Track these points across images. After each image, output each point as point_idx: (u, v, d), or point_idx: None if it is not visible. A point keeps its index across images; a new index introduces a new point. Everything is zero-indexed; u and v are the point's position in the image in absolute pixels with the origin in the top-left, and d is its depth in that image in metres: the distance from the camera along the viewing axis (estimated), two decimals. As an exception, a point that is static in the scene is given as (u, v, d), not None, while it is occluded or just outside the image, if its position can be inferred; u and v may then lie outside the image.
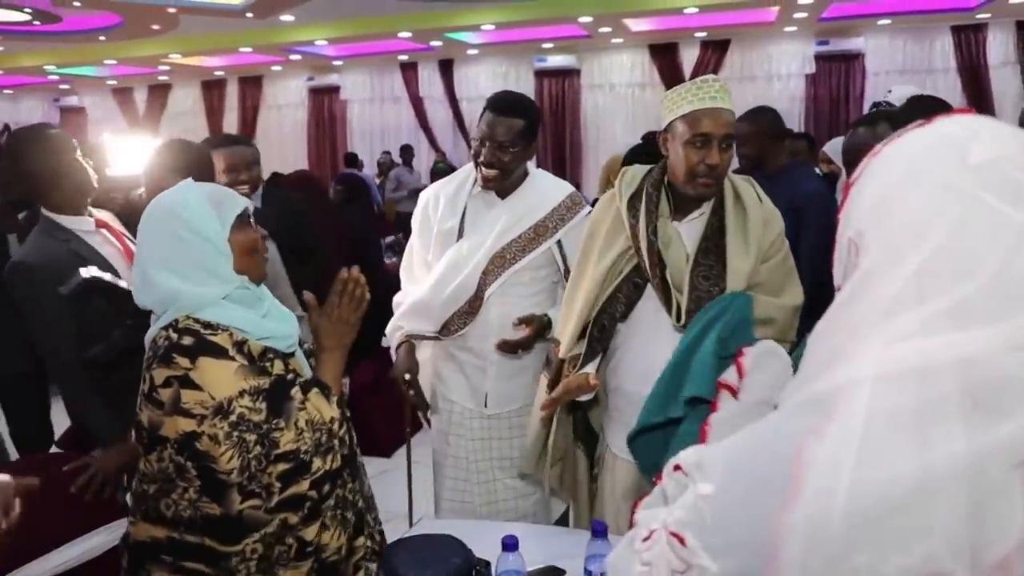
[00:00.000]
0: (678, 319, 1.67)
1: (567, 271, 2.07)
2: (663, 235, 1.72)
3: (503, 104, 2.04)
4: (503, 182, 2.07)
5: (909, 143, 0.68)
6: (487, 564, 1.47)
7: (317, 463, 1.31)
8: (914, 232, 0.62)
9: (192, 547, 1.28)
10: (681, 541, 0.68)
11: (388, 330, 2.21)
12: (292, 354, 1.46)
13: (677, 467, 0.75)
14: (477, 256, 2.08)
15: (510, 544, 1.37)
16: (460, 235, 2.13)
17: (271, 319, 1.40)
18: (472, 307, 2.10)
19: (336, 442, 1.34)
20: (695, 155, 1.65)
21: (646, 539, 0.74)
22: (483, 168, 2.04)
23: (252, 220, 1.44)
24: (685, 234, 1.73)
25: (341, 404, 1.41)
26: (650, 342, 1.74)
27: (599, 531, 1.40)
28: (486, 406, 2.16)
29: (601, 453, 1.95)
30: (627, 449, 1.82)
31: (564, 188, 2.18)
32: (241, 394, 1.26)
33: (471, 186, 2.14)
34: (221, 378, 1.26)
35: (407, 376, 2.09)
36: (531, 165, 2.17)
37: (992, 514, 0.57)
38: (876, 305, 0.62)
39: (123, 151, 2.68)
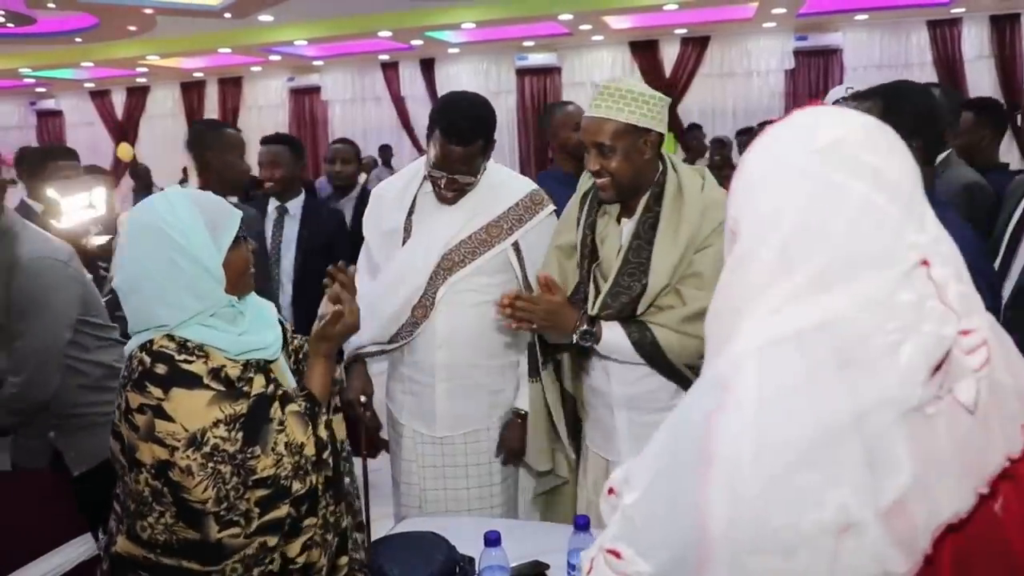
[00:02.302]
0: (592, 306, 1.71)
1: (525, 278, 1.94)
2: (601, 231, 1.77)
3: (457, 131, 1.79)
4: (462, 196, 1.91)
5: (770, 135, 0.75)
6: (471, 560, 1.48)
7: (296, 485, 1.28)
8: (774, 213, 0.69)
9: (169, 569, 1.25)
10: (617, 556, 0.70)
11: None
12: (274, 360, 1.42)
13: (610, 490, 0.77)
14: (426, 258, 1.90)
15: (493, 539, 1.37)
16: (407, 233, 1.95)
17: (251, 333, 1.36)
18: (417, 315, 1.92)
19: (309, 465, 1.30)
20: (587, 159, 1.73)
21: (588, 572, 0.75)
22: (441, 190, 1.87)
23: (244, 235, 1.38)
24: (627, 231, 1.76)
25: (328, 425, 1.36)
26: (607, 338, 1.76)
27: (582, 525, 1.40)
28: (436, 428, 1.99)
29: (583, 446, 1.96)
30: (598, 444, 1.87)
31: (525, 185, 2.00)
32: (216, 424, 1.22)
33: (422, 181, 1.95)
34: (194, 409, 1.22)
35: (362, 398, 1.96)
36: (491, 161, 1.98)
37: (883, 463, 0.61)
38: (750, 283, 0.69)
39: (71, 203, 2.62)
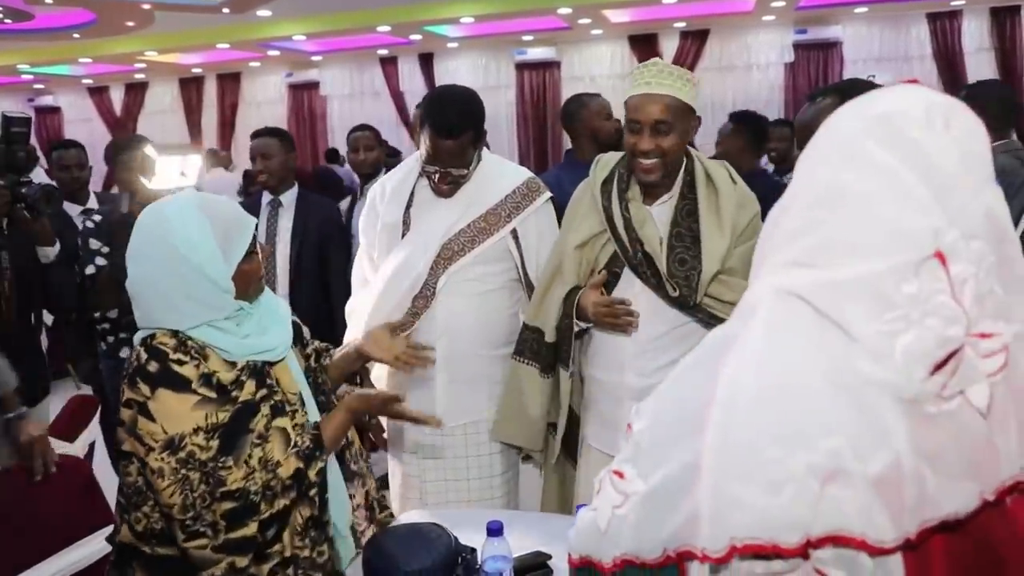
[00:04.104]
0: (673, 289, 1.67)
1: (523, 266, 1.96)
2: (636, 216, 1.73)
3: (446, 125, 1.81)
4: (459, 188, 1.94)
5: (842, 108, 0.74)
6: (473, 551, 1.48)
7: (264, 506, 1.26)
8: (808, 176, 0.70)
9: (166, 558, 1.26)
10: (621, 476, 0.72)
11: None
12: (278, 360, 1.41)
13: (629, 426, 0.79)
14: (426, 249, 1.91)
15: (495, 530, 1.37)
16: (406, 226, 1.97)
17: (257, 335, 1.35)
18: (418, 305, 1.93)
19: (280, 487, 1.29)
20: (631, 140, 1.69)
21: (597, 492, 0.78)
22: (436, 184, 1.91)
23: (256, 240, 1.37)
24: (657, 217, 1.75)
25: (321, 471, 1.35)
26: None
27: (584, 515, 1.40)
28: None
29: (581, 441, 1.95)
30: (602, 440, 1.85)
31: (520, 173, 2.02)
32: (195, 431, 1.23)
33: (419, 174, 1.98)
34: (177, 413, 1.23)
35: None
36: (486, 151, 2.01)
37: (876, 436, 0.61)
38: (777, 234, 0.71)
39: (165, 163, 2.62)
